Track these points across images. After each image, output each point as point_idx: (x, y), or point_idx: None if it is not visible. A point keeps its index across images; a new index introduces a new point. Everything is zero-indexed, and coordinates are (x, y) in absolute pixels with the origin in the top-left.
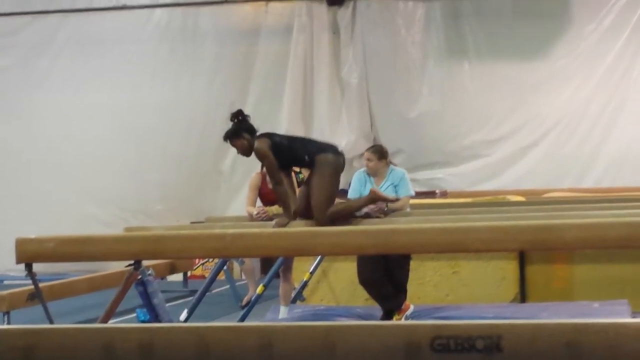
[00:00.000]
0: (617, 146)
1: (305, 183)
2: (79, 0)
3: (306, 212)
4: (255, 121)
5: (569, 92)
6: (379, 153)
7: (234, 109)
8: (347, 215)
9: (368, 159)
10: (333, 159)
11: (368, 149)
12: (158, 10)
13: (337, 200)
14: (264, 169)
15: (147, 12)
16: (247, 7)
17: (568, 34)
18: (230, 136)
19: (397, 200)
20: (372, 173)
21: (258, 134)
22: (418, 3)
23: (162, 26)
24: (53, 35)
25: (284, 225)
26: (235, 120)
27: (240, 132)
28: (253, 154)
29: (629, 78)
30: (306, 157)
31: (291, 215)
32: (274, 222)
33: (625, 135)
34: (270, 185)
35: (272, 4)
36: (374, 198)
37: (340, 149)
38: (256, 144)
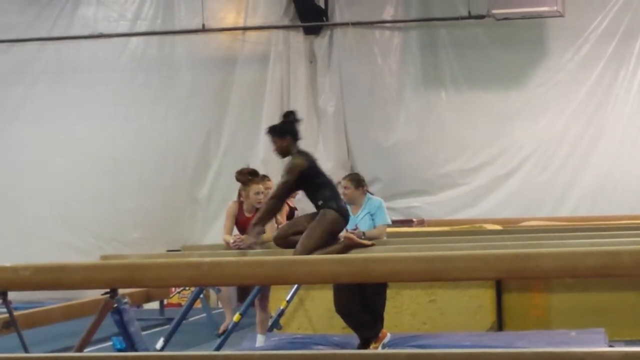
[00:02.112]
0: (593, 175)
1: (302, 217)
2: (55, 28)
3: (285, 242)
4: (231, 150)
5: (545, 121)
6: (356, 181)
7: (210, 138)
8: None
9: (345, 187)
10: (337, 220)
11: (345, 177)
12: (134, 39)
13: None
14: (241, 197)
15: (123, 40)
16: (224, 36)
17: (545, 63)
18: (275, 132)
19: (372, 245)
20: (349, 201)
21: (300, 148)
22: (395, 32)
23: (138, 55)
24: (29, 64)
25: (256, 238)
26: (286, 120)
27: (285, 132)
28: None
29: (605, 107)
30: (321, 202)
31: (263, 228)
32: (249, 240)
33: (601, 165)
34: (247, 214)
35: (248, 33)
36: (349, 245)
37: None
38: (297, 158)
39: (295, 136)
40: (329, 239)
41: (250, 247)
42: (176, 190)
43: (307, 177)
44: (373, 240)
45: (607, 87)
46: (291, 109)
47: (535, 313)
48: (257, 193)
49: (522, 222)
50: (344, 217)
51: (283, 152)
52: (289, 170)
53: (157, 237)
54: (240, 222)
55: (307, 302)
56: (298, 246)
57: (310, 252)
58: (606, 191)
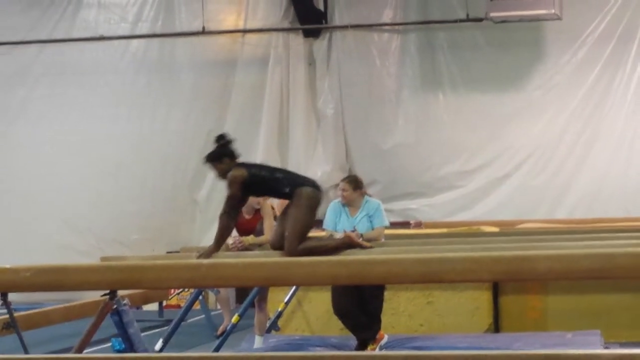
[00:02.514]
0: (590, 178)
1: (282, 214)
2: (57, 31)
3: (280, 244)
4: None
5: (542, 124)
6: (354, 183)
7: (211, 139)
8: (320, 253)
9: (343, 189)
10: (312, 193)
11: (343, 179)
12: (135, 42)
13: (314, 235)
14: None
15: (124, 43)
16: (224, 39)
17: (542, 66)
18: (212, 159)
19: (370, 247)
20: (347, 203)
21: (239, 161)
22: (393, 34)
23: (139, 57)
24: (30, 66)
25: (208, 256)
26: (219, 144)
27: (221, 156)
28: None
29: (602, 110)
30: (287, 189)
31: (218, 248)
32: (198, 254)
33: (598, 167)
34: (246, 216)
35: (248, 36)
36: (348, 243)
37: (319, 183)
38: (234, 170)
39: (232, 157)
40: (312, 215)
41: (248, 248)
42: (176, 192)
43: (254, 182)
44: (371, 242)
45: (604, 89)
46: (223, 132)
47: (531, 315)
48: None
49: (519, 224)
50: (317, 188)
51: (225, 175)
52: (230, 184)
53: (157, 239)
54: (240, 224)
55: (305, 304)
56: (288, 234)
57: (301, 235)
58: (603, 193)
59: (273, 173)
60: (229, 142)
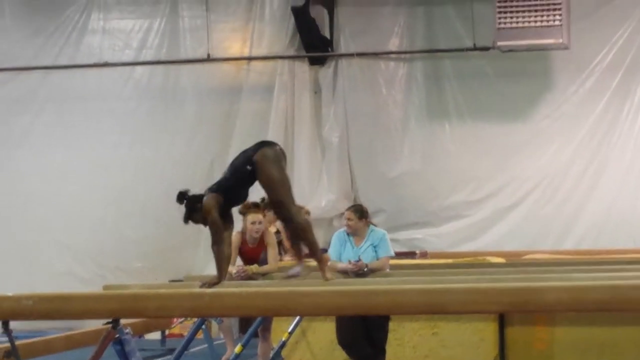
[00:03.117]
0: (597, 208)
1: (260, 181)
2: (61, 57)
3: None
4: None
5: (550, 154)
6: (359, 212)
7: (215, 167)
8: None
9: (348, 218)
10: (270, 152)
11: (348, 208)
12: (139, 68)
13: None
14: (242, 228)
15: (128, 69)
16: (229, 66)
17: (550, 95)
18: (188, 218)
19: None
20: (352, 232)
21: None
22: (399, 63)
23: (144, 84)
24: (35, 92)
25: (213, 286)
26: (183, 204)
27: (192, 210)
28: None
29: (610, 141)
30: (248, 167)
31: (222, 276)
32: (201, 283)
33: (605, 198)
34: (250, 245)
35: (253, 63)
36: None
37: (274, 142)
38: (205, 203)
39: (199, 201)
40: (283, 171)
41: (252, 277)
42: (179, 220)
43: (225, 186)
44: (376, 272)
45: (612, 120)
46: (184, 189)
47: (538, 346)
48: (253, 223)
49: (525, 255)
50: (269, 146)
51: (204, 219)
52: (205, 213)
53: (160, 267)
54: (244, 253)
55: (309, 334)
56: (279, 205)
57: (289, 194)
58: (610, 224)
59: (228, 170)
60: (187, 195)
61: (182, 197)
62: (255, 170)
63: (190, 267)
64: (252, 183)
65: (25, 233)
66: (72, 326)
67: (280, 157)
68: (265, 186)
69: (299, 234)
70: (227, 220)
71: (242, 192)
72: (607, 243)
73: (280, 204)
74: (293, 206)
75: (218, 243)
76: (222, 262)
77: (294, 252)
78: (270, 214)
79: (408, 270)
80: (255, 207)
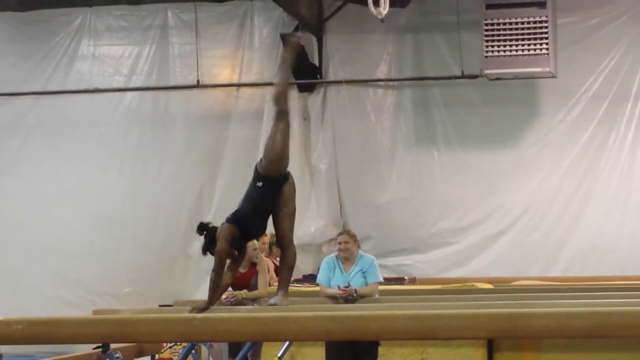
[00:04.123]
0: (584, 236)
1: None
2: (51, 82)
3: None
4: (224, 205)
5: (536, 181)
6: (354, 237)
7: (204, 193)
8: None
9: (345, 242)
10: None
11: (342, 233)
12: (129, 94)
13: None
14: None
15: (118, 95)
16: (218, 92)
17: (536, 123)
18: (207, 249)
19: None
20: (349, 256)
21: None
22: (388, 90)
23: (133, 110)
24: (24, 117)
25: (202, 311)
26: (202, 235)
27: (212, 242)
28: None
29: (596, 169)
30: (258, 184)
31: (212, 302)
32: (190, 307)
33: (592, 225)
34: (241, 270)
35: (243, 89)
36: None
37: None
38: (220, 230)
39: (211, 241)
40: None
41: (241, 303)
42: (169, 245)
43: (244, 216)
44: (365, 297)
45: (599, 148)
46: (205, 221)
47: None
48: (255, 249)
49: (513, 281)
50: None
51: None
52: (218, 240)
53: (149, 292)
54: (235, 278)
55: (299, 359)
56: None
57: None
58: (597, 251)
59: (242, 200)
60: (208, 227)
61: (202, 228)
62: (280, 198)
63: (180, 292)
64: (268, 211)
65: (13, 258)
66: (62, 350)
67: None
68: (287, 217)
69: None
70: (240, 252)
71: (260, 223)
72: (593, 271)
73: (291, 234)
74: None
75: (218, 273)
76: (216, 289)
77: (281, 282)
78: (266, 239)
79: (397, 295)
80: None
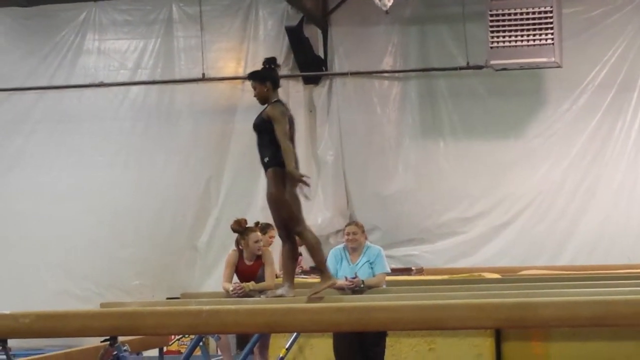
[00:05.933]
0: (591, 225)
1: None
2: (56, 77)
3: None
4: (231, 197)
5: (543, 171)
6: (362, 227)
7: (210, 186)
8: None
9: (354, 232)
10: (277, 171)
11: (351, 224)
12: (134, 88)
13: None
14: (240, 246)
15: (123, 89)
16: (224, 85)
17: (542, 113)
18: (256, 77)
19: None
20: (357, 246)
21: (280, 99)
22: (393, 82)
23: (139, 104)
24: (29, 112)
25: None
26: (267, 66)
27: (266, 78)
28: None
29: (602, 158)
30: (266, 159)
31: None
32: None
33: (598, 214)
34: (247, 262)
35: (248, 82)
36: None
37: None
38: (280, 106)
39: (275, 83)
40: (289, 193)
41: (249, 295)
42: (176, 238)
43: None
44: (373, 288)
45: (605, 137)
46: (274, 56)
47: None
48: (257, 241)
49: (520, 271)
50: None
51: (263, 98)
52: (280, 117)
53: (157, 285)
54: (241, 270)
55: (307, 350)
56: (285, 219)
57: (296, 215)
58: (603, 241)
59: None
60: (276, 66)
61: (271, 62)
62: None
63: (187, 285)
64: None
65: (20, 253)
66: (70, 344)
67: (280, 176)
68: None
69: (310, 251)
70: None
71: (261, 134)
72: (600, 260)
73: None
74: (298, 225)
75: (289, 142)
76: (293, 157)
77: (286, 272)
78: (273, 232)
79: (404, 286)
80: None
